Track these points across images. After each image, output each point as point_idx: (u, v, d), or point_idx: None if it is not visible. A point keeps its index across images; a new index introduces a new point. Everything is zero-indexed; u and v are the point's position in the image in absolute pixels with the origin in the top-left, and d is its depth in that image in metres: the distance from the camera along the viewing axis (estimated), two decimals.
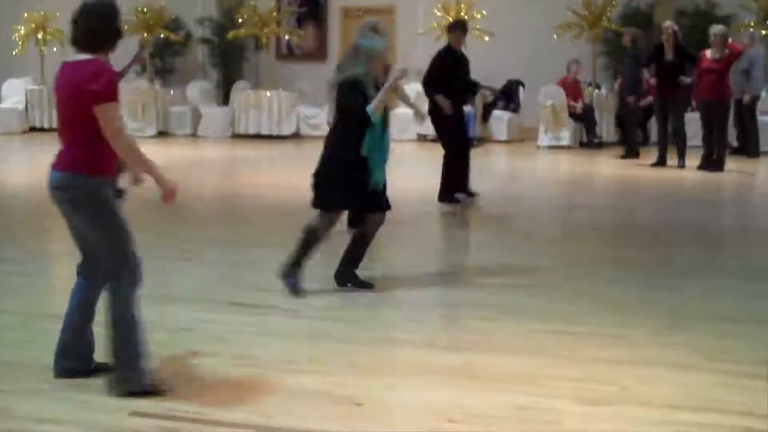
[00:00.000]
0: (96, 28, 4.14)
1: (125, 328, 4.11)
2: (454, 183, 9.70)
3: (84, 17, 4.14)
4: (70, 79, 4.10)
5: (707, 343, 4.98)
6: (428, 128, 16.43)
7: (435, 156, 14.95)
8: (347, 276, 6.15)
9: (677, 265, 7.12)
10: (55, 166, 4.15)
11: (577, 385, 4.30)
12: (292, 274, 5.98)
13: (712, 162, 12.77)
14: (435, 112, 9.61)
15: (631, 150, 14.39)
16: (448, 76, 9.55)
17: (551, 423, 3.88)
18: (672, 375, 4.46)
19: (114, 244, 4.12)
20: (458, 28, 9.96)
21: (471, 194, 9.80)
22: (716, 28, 12.85)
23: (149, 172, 4.18)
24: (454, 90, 9.60)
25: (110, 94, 4.04)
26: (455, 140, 9.75)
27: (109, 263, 4.15)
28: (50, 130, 18.33)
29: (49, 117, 18.53)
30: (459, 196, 9.65)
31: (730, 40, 12.93)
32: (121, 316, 4.12)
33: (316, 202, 6.07)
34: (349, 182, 5.92)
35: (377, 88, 5.89)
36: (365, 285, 6.12)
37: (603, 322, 5.35)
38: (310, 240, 6.01)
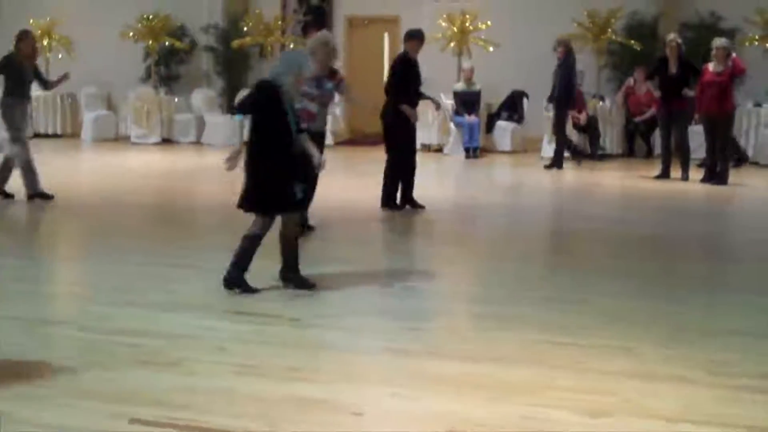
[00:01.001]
0: None
1: None
2: (394, 189, 9.80)
3: None
4: None
5: (711, 356, 4.96)
6: (431, 138, 16.64)
7: (436, 165, 15.01)
8: (294, 279, 6.31)
9: (681, 278, 7.10)
10: None
11: (580, 396, 4.29)
12: (240, 278, 6.18)
13: (715, 175, 12.76)
14: (387, 119, 9.69)
15: (559, 161, 14.35)
16: (404, 83, 9.66)
17: None
18: (675, 388, 4.45)
19: None
20: (417, 37, 9.95)
21: (419, 205, 9.85)
22: (718, 41, 12.84)
23: None
24: (408, 97, 9.67)
25: None
26: (403, 148, 9.77)
27: None
28: (55, 136, 18.36)
29: (54, 123, 18.56)
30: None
31: (734, 54, 12.92)
32: None
33: (292, 206, 6.23)
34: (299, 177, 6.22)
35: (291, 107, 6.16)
36: (308, 285, 6.25)
37: (606, 334, 5.34)
38: (254, 246, 6.27)
